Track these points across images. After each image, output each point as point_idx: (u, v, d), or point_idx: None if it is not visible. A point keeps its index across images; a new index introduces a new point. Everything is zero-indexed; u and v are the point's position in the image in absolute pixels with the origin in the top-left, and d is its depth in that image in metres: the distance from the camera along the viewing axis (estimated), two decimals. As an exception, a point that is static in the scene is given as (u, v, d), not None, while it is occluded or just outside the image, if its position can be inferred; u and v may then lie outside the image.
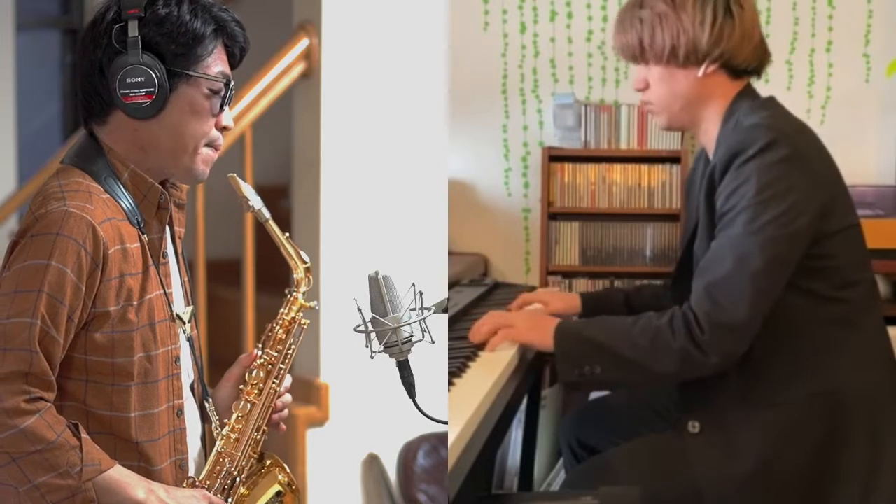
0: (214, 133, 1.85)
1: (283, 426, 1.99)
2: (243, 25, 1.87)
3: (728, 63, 2.30)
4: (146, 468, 1.79)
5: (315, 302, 1.97)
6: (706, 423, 2.30)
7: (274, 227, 1.93)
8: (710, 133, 2.35)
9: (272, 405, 1.94)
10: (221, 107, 1.85)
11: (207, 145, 1.85)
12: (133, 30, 1.77)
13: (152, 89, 1.78)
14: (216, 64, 1.83)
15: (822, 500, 2.24)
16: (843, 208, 2.29)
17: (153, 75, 1.77)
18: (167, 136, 1.82)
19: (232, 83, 1.86)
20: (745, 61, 2.31)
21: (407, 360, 1.87)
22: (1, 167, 4.70)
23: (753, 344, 2.23)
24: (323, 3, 3.49)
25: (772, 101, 2.33)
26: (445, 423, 1.87)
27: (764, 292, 2.17)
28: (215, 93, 1.83)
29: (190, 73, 1.80)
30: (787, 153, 2.17)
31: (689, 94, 2.32)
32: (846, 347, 2.27)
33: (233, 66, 1.88)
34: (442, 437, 3.55)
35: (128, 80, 1.77)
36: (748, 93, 2.33)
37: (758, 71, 2.36)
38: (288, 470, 1.97)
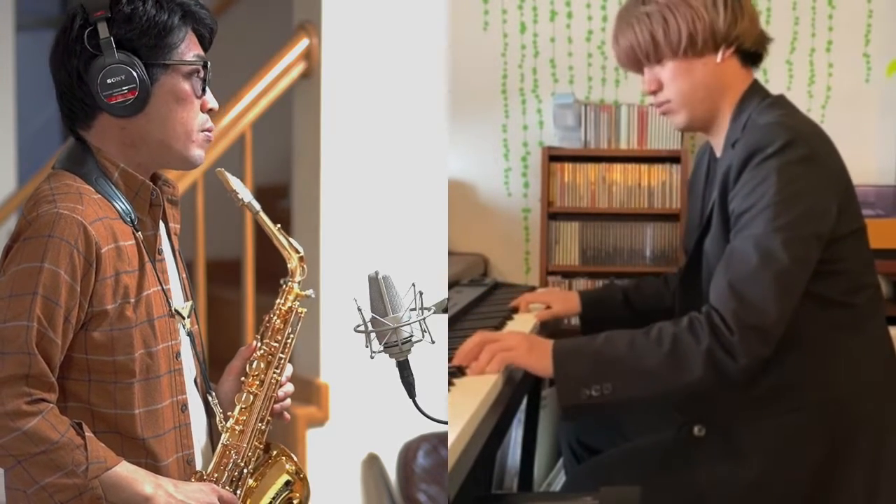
0: (202, 117, 1.86)
1: (287, 416, 2.00)
2: (207, 7, 1.88)
3: (741, 47, 2.28)
4: (153, 464, 1.80)
5: (311, 290, 1.98)
6: (712, 428, 2.29)
7: (265, 219, 1.94)
8: (720, 127, 2.33)
9: (274, 395, 1.94)
10: (203, 89, 1.86)
11: (200, 130, 1.86)
12: (104, 31, 1.78)
13: (134, 85, 1.79)
14: (189, 49, 1.84)
15: None
16: (853, 211, 2.28)
17: (132, 72, 1.78)
18: (156, 129, 1.83)
19: (209, 65, 1.87)
20: (755, 44, 2.30)
21: (407, 360, 1.87)
22: (1, 167, 4.70)
23: None
24: (323, 3, 3.49)
25: (784, 100, 2.32)
26: (445, 423, 1.87)
27: (790, 291, 2.13)
28: (194, 76, 1.84)
29: (167, 62, 1.82)
30: (805, 153, 2.15)
31: (709, 84, 2.29)
32: (851, 353, 2.26)
33: (205, 49, 1.89)
34: (442, 437, 3.55)
35: (108, 81, 1.78)
36: (757, 89, 2.31)
37: (761, 57, 2.35)
38: (295, 458, 1.98)
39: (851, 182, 2.31)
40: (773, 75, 4.12)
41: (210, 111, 1.87)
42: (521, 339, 2.25)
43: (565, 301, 2.86)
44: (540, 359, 2.18)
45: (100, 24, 1.78)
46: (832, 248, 2.19)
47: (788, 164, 2.13)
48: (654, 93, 2.34)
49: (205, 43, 1.88)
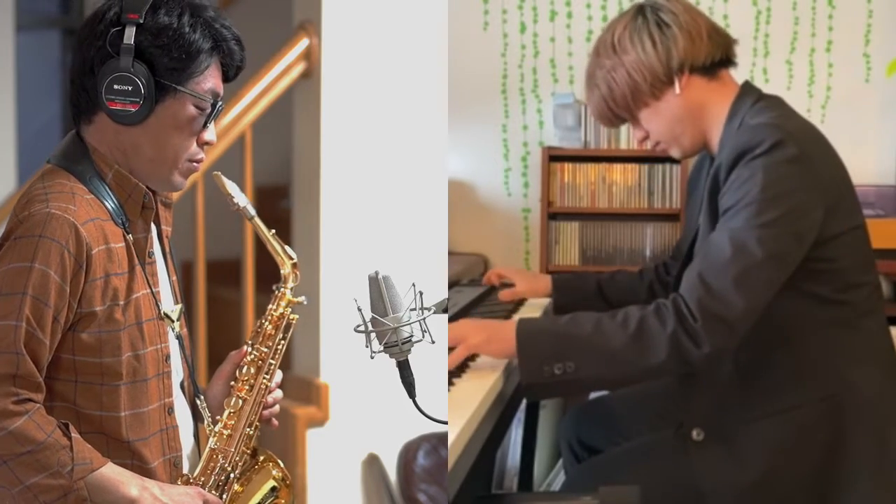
0: (195, 148, 1.85)
1: (276, 422, 1.99)
2: (242, 44, 1.86)
3: (693, 67, 2.29)
4: (139, 466, 1.80)
5: (303, 297, 1.98)
6: (710, 432, 2.29)
7: (260, 225, 1.94)
8: (715, 136, 2.34)
9: (263, 401, 1.95)
10: (206, 124, 1.84)
11: (188, 160, 1.85)
12: (129, 36, 1.76)
13: (138, 99, 1.77)
14: (207, 80, 1.82)
15: None
16: (849, 210, 2.27)
17: (140, 86, 1.77)
18: (148, 145, 1.82)
19: (220, 102, 1.85)
20: (708, 56, 2.30)
21: (407, 360, 1.87)
22: (1, 167, 4.70)
23: (755, 349, 2.22)
24: (323, 3, 3.49)
25: (778, 101, 2.32)
26: (445, 423, 1.87)
27: (760, 286, 2.13)
28: (201, 110, 1.82)
29: (179, 87, 1.80)
30: (794, 153, 2.15)
31: (681, 114, 2.31)
32: (848, 350, 2.26)
33: (226, 81, 1.87)
34: (442, 437, 3.55)
35: (115, 87, 1.77)
36: (748, 93, 2.32)
37: (728, 59, 2.35)
38: (282, 465, 1.98)
39: (849, 181, 2.31)
40: (773, 75, 4.12)
41: (206, 144, 1.86)
42: (477, 328, 2.21)
43: (532, 282, 2.85)
44: (500, 344, 2.17)
45: (128, 28, 1.76)
46: (824, 248, 2.19)
47: (776, 164, 2.14)
48: (644, 139, 2.38)
49: (227, 77, 1.86)
